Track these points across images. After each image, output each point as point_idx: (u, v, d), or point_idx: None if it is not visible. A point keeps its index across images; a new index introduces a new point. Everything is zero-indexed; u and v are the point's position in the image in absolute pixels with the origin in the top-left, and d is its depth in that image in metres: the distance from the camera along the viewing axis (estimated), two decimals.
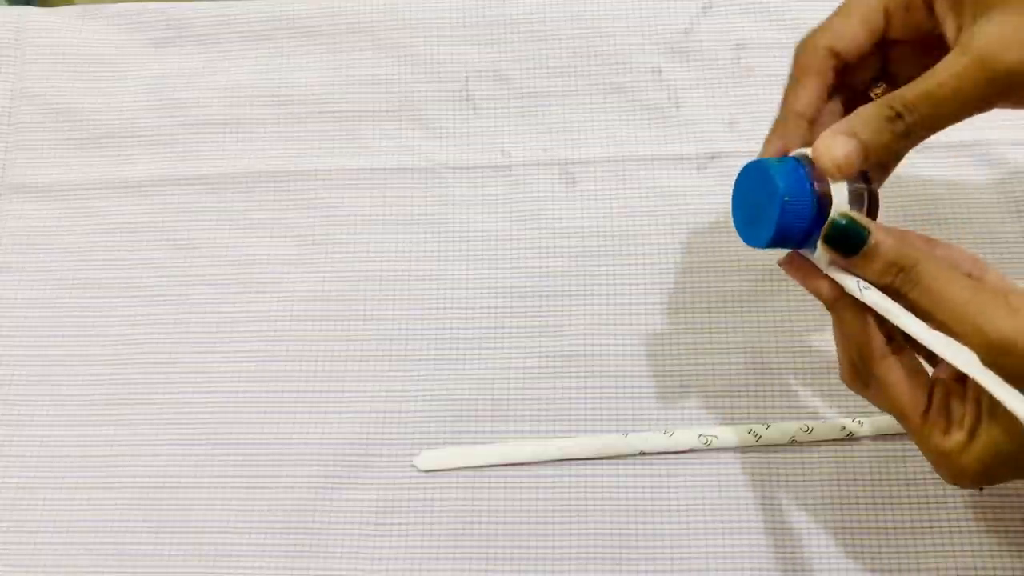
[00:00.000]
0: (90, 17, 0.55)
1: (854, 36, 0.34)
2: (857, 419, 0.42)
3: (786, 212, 0.31)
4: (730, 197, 0.49)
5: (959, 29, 0.32)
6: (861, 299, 0.31)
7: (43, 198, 0.51)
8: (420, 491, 0.43)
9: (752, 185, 0.33)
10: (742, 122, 0.50)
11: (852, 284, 0.31)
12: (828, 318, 0.34)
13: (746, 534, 0.41)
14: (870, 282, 0.31)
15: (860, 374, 0.33)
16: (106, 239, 0.50)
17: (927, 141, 0.48)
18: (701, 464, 0.43)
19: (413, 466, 0.44)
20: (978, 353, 0.29)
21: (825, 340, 0.44)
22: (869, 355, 0.32)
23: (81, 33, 0.55)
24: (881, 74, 0.36)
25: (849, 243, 0.31)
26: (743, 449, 0.43)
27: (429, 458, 0.44)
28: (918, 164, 0.47)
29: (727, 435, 0.43)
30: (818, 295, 0.33)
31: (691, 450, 0.43)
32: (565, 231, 0.48)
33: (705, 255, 0.47)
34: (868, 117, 0.31)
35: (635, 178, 0.49)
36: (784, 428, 0.42)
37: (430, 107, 0.52)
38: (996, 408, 0.29)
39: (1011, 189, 0.47)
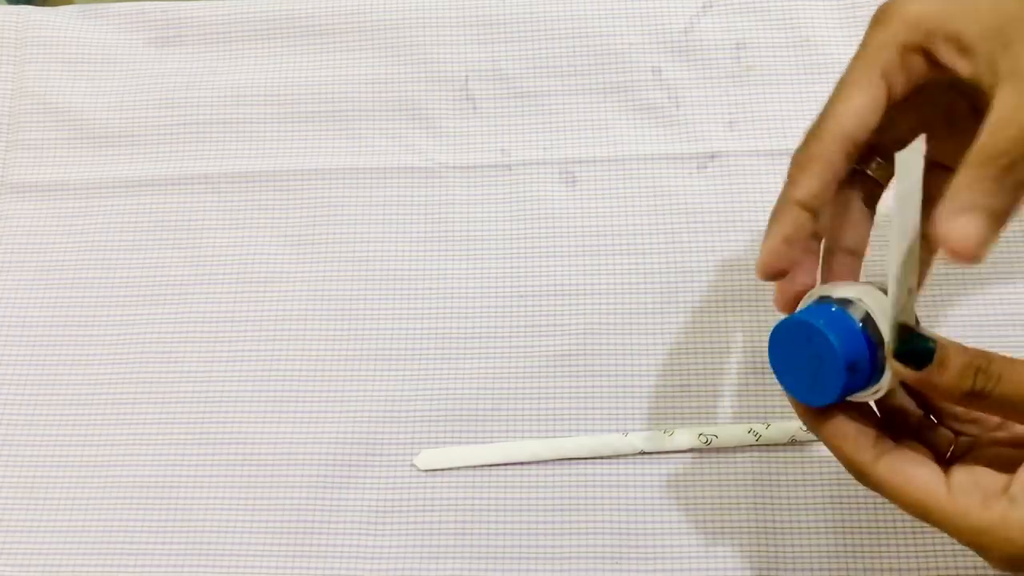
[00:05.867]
0: (90, 17, 0.55)
1: (860, 116, 0.32)
2: None
3: (852, 373, 0.30)
4: (728, 196, 0.49)
5: (990, 63, 0.29)
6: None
7: (43, 198, 0.51)
8: (420, 491, 0.43)
9: (797, 343, 0.31)
10: (742, 122, 0.50)
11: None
12: None
13: (746, 534, 0.41)
14: (950, 395, 0.30)
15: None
16: (106, 239, 0.50)
17: None
18: (701, 464, 0.43)
19: (413, 466, 0.44)
20: None
21: None
22: (860, 463, 0.31)
23: (81, 33, 0.55)
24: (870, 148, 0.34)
25: (920, 354, 0.29)
26: (743, 449, 0.43)
27: (429, 458, 0.44)
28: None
29: (727, 435, 0.43)
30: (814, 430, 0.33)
31: (691, 450, 0.43)
32: (565, 231, 0.48)
33: (705, 255, 0.47)
34: (973, 184, 0.28)
35: (635, 178, 0.49)
36: (784, 427, 0.42)
37: (430, 107, 0.52)
38: None
39: None
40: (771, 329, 0.32)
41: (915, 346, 0.29)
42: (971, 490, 0.30)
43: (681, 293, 0.46)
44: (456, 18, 0.53)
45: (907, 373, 0.30)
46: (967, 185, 0.28)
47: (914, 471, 0.30)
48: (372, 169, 0.50)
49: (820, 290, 0.32)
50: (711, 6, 0.52)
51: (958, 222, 0.28)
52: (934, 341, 0.29)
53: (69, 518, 0.44)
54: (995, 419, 0.33)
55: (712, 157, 0.49)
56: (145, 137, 0.52)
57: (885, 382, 0.31)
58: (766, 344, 0.45)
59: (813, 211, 0.32)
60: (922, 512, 0.30)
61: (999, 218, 0.28)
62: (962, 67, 0.30)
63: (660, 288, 0.46)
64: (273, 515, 0.43)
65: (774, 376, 0.43)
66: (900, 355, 0.30)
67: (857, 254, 0.35)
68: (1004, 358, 0.29)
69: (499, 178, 0.50)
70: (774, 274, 0.33)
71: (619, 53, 0.51)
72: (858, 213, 0.35)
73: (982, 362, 0.29)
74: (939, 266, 0.45)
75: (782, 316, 0.44)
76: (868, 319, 0.30)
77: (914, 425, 0.34)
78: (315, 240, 0.49)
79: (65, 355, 0.48)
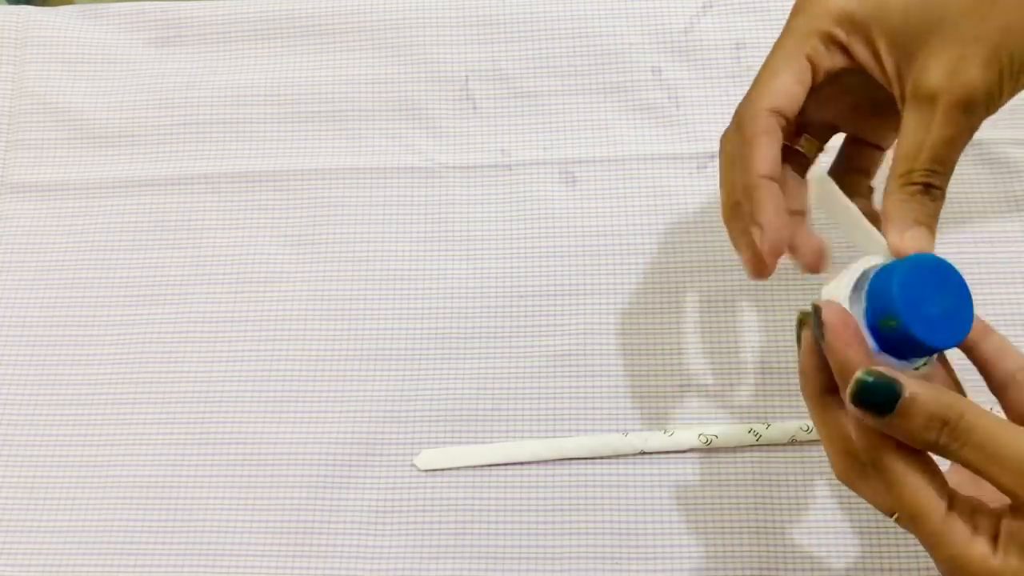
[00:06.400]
0: (90, 17, 0.55)
1: (789, 91, 0.34)
2: None
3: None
4: None
5: (898, 75, 0.32)
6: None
7: (43, 198, 0.51)
8: (420, 491, 0.43)
9: (932, 286, 0.29)
10: None
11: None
12: None
13: (746, 534, 0.41)
14: (911, 442, 0.28)
15: (858, 467, 0.31)
16: (106, 239, 0.50)
17: None
18: (701, 464, 0.43)
19: (413, 466, 0.44)
20: None
21: None
22: (878, 445, 0.29)
23: (81, 33, 0.55)
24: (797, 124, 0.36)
25: (881, 402, 0.28)
26: (743, 449, 0.43)
27: (429, 458, 0.44)
28: None
29: (727, 435, 0.43)
30: (846, 364, 0.29)
31: (691, 450, 0.43)
32: (565, 231, 0.48)
33: (705, 255, 0.47)
34: (906, 200, 0.31)
35: (635, 178, 0.49)
36: (784, 428, 0.42)
37: (430, 107, 0.52)
38: None
39: (1011, 189, 0.47)
40: (898, 270, 0.30)
41: (874, 397, 0.28)
42: (966, 515, 0.29)
43: (681, 293, 0.46)
44: (456, 18, 0.53)
45: (867, 420, 0.28)
46: (901, 203, 0.32)
47: (923, 475, 0.29)
48: (372, 169, 0.50)
49: (862, 264, 0.31)
50: (711, 6, 0.52)
51: (908, 236, 0.31)
52: (900, 385, 0.28)
53: (69, 518, 0.44)
54: None
55: (712, 157, 0.49)
56: (145, 137, 0.52)
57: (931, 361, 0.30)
58: (766, 344, 0.45)
59: (776, 180, 0.34)
60: (913, 513, 0.29)
61: (934, 223, 0.32)
62: (874, 70, 0.33)
63: (660, 288, 0.46)
64: (273, 515, 0.43)
65: (774, 375, 0.43)
66: (857, 401, 0.28)
67: (803, 214, 0.36)
68: (979, 413, 0.28)
69: (499, 178, 0.50)
70: (782, 247, 0.33)
71: (619, 53, 0.51)
72: (794, 180, 0.36)
73: (951, 415, 0.27)
74: None
75: (780, 315, 0.45)
76: None
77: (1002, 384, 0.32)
78: (315, 240, 0.49)
79: (65, 355, 0.48)
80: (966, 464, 0.28)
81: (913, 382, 0.28)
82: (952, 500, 0.29)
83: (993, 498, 0.29)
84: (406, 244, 0.49)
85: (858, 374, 0.28)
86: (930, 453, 0.29)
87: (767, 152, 0.33)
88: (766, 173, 0.33)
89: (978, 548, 0.28)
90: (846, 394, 0.28)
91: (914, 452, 0.29)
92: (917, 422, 0.28)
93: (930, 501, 0.29)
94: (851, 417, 0.30)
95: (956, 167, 0.48)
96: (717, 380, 0.44)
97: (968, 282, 0.46)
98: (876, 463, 0.30)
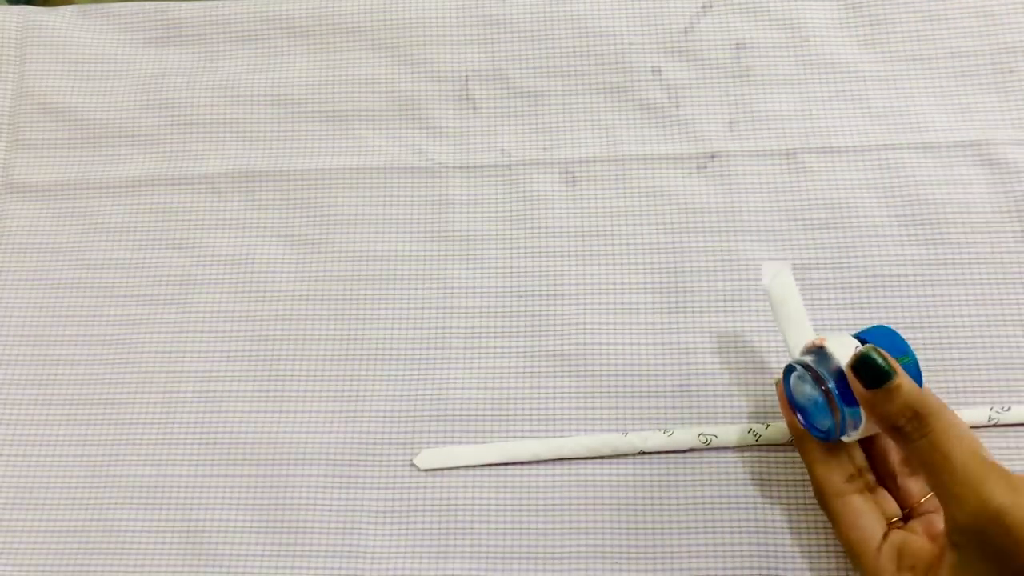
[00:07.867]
0: (90, 17, 0.55)
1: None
2: None
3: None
4: (728, 196, 0.50)
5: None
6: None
7: (43, 198, 0.52)
8: (420, 491, 0.43)
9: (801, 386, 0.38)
10: (742, 122, 0.50)
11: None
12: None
13: (746, 533, 0.41)
14: (884, 423, 0.34)
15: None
16: (106, 239, 0.50)
17: (927, 140, 0.49)
18: (701, 464, 0.43)
19: (413, 465, 0.44)
20: (966, 515, 0.31)
21: None
22: (825, 490, 0.37)
23: (81, 33, 0.55)
24: None
25: (874, 376, 0.33)
26: (743, 448, 0.43)
27: (429, 457, 0.44)
28: (918, 164, 0.47)
29: (727, 434, 0.43)
30: (790, 426, 0.39)
31: (691, 449, 0.43)
32: (565, 231, 0.48)
33: (705, 255, 0.47)
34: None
35: (635, 178, 0.49)
36: (783, 428, 0.42)
37: (430, 107, 0.52)
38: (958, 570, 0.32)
39: (1011, 189, 0.47)
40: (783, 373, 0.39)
41: (873, 368, 0.33)
42: (893, 556, 0.35)
43: (681, 293, 0.46)
44: (456, 18, 0.53)
45: (858, 387, 0.34)
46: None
47: (860, 520, 0.36)
48: (372, 169, 0.50)
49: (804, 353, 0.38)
50: (711, 6, 0.52)
51: None
52: (894, 373, 0.33)
53: (69, 518, 0.44)
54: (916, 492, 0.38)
55: (712, 157, 0.49)
56: (145, 137, 0.52)
57: (863, 427, 0.35)
58: (766, 344, 0.45)
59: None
60: (851, 555, 0.36)
61: None
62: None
63: (660, 288, 0.46)
64: (273, 515, 0.43)
65: (773, 375, 0.44)
66: (857, 370, 0.33)
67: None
68: (947, 422, 0.32)
69: (499, 178, 0.50)
70: None
71: (619, 53, 0.51)
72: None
73: (924, 410, 0.32)
74: (943, 268, 0.45)
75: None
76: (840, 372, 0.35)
77: (891, 472, 0.38)
78: (315, 240, 0.49)
79: (65, 355, 0.48)
80: (917, 453, 0.33)
81: (904, 375, 0.33)
82: (887, 536, 0.35)
83: None
84: (406, 244, 0.49)
85: (864, 348, 0.33)
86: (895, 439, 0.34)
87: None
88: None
89: None
90: (847, 364, 0.34)
91: (851, 492, 0.36)
92: (896, 404, 0.33)
93: (862, 542, 0.35)
94: (807, 461, 0.38)
95: (956, 168, 0.49)
96: (717, 380, 0.44)
97: (968, 282, 0.47)
98: (823, 505, 0.37)
